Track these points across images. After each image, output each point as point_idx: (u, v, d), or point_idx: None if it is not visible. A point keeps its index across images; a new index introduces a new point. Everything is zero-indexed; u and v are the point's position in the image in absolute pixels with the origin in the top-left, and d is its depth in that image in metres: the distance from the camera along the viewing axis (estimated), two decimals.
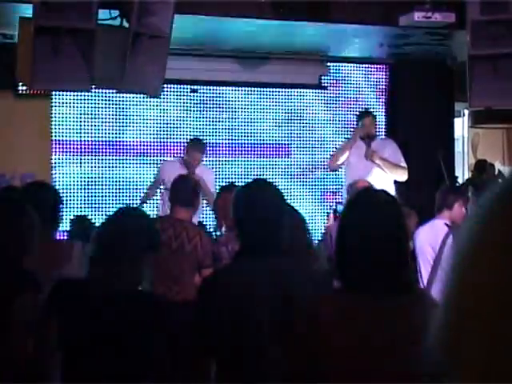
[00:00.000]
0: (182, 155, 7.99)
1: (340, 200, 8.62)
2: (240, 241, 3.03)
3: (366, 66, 9.76)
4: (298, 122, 9.52)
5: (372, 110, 9.37)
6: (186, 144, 8.10)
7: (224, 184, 6.99)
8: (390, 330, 2.30)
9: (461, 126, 11.69)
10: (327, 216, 7.64)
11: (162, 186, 7.79)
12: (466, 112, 11.38)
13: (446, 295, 0.80)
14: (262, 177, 8.45)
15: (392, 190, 7.83)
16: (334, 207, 7.60)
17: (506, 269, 0.75)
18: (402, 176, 7.87)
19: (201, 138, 8.45)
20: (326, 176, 9.48)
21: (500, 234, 0.77)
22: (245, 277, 2.93)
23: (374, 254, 2.35)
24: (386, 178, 7.76)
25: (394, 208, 2.49)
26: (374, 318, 2.32)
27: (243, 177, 9.12)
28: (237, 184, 6.03)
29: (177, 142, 8.96)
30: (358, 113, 8.51)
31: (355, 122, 8.28)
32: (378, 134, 8.38)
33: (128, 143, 8.74)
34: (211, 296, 2.94)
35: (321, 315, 2.33)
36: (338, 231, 2.47)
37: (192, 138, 8.30)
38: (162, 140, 8.94)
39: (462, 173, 11.31)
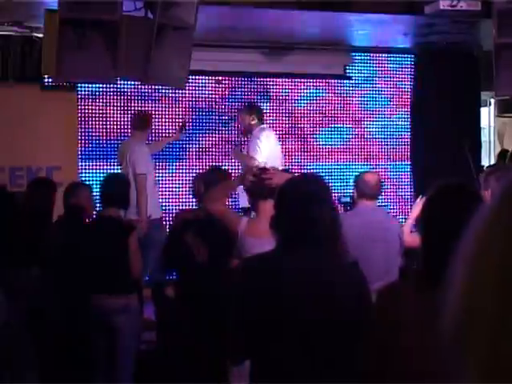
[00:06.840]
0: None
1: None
2: (279, 232, 3.03)
3: (391, 55, 9.71)
4: (323, 111, 9.50)
5: (397, 99, 9.34)
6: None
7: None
8: None
9: (487, 115, 11.61)
10: None
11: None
12: (493, 101, 11.30)
13: (455, 285, 0.79)
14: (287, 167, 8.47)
15: None
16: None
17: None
18: None
19: (226, 129, 8.36)
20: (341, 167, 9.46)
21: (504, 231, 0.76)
22: (291, 263, 2.94)
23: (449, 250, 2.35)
24: None
25: (477, 203, 2.50)
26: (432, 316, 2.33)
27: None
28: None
29: (201, 133, 8.98)
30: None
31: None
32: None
33: (154, 134, 8.73)
34: (253, 277, 2.96)
35: (398, 313, 2.34)
36: (423, 224, 2.51)
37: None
38: (187, 131, 8.94)
39: (489, 162, 11.22)
